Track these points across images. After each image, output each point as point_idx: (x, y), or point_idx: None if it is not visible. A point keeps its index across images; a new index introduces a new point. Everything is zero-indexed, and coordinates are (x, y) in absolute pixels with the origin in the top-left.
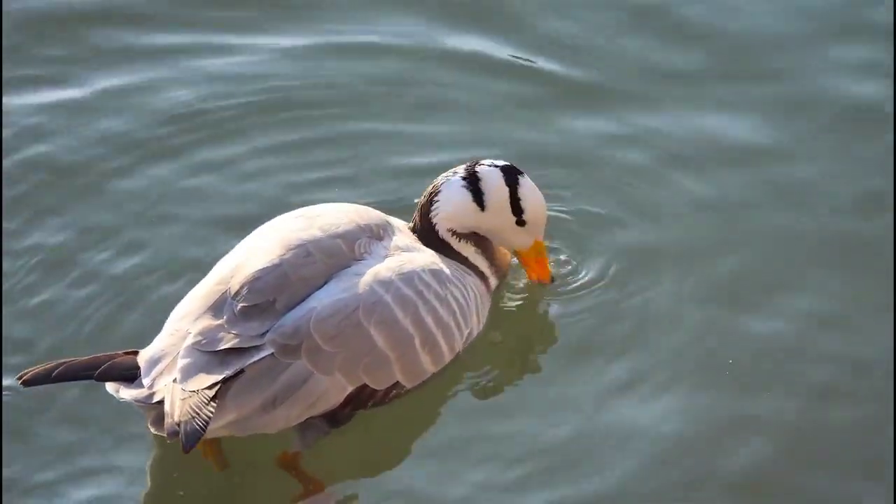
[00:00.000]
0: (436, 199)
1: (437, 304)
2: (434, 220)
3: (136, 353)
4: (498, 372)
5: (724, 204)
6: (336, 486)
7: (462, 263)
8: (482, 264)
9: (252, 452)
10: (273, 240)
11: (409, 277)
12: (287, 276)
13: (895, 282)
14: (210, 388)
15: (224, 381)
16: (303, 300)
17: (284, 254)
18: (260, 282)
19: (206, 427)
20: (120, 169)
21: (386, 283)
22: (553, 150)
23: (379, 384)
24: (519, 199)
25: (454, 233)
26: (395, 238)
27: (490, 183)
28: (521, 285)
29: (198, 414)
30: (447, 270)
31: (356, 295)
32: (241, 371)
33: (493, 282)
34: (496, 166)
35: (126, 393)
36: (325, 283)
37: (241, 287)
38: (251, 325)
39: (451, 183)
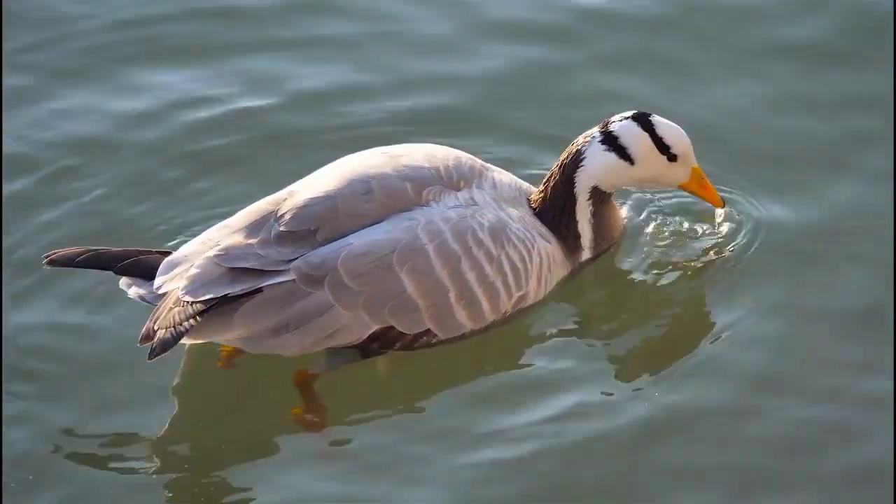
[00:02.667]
0: (581, 162)
1: (484, 262)
2: (576, 179)
3: (169, 253)
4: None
5: None
6: (339, 427)
7: (568, 229)
8: (586, 234)
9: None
10: (340, 171)
11: (460, 231)
12: (337, 208)
13: None
14: (203, 303)
15: (223, 299)
16: (345, 236)
17: (343, 187)
18: (306, 210)
19: (177, 340)
20: None
21: (433, 233)
22: None
23: (407, 328)
24: (661, 138)
25: (593, 191)
26: (476, 191)
27: (629, 136)
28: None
29: (176, 326)
30: (514, 232)
31: (395, 239)
32: (259, 290)
33: (585, 254)
34: (626, 118)
35: (134, 290)
36: (376, 223)
37: (287, 211)
38: (283, 249)
39: (593, 146)
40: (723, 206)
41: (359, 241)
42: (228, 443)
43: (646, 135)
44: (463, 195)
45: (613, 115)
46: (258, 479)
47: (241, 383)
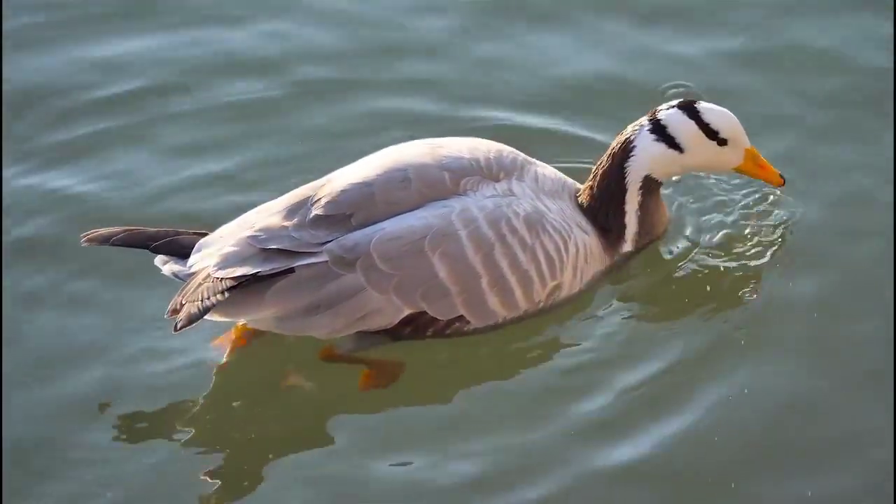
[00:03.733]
0: (632, 152)
1: (518, 250)
2: (627, 169)
3: (206, 234)
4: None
5: None
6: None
7: (615, 218)
8: (631, 226)
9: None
10: (381, 159)
11: (495, 218)
12: (374, 195)
13: None
14: (233, 279)
15: (253, 277)
16: (380, 222)
17: (381, 174)
18: (343, 195)
19: (203, 314)
20: None
21: (467, 219)
22: None
23: (440, 314)
24: (708, 124)
25: (645, 181)
26: (516, 183)
27: (676, 125)
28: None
29: (204, 300)
30: (551, 223)
31: (429, 224)
32: (291, 271)
33: (626, 247)
34: (672, 107)
35: (168, 267)
36: (411, 210)
37: (324, 196)
38: (317, 233)
39: (643, 136)
40: (783, 184)
41: (392, 225)
42: (251, 433)
43: (692, 122)
44: (501, 186)
45: (662, 105)
46: (278, 471)
47: (260, 375)
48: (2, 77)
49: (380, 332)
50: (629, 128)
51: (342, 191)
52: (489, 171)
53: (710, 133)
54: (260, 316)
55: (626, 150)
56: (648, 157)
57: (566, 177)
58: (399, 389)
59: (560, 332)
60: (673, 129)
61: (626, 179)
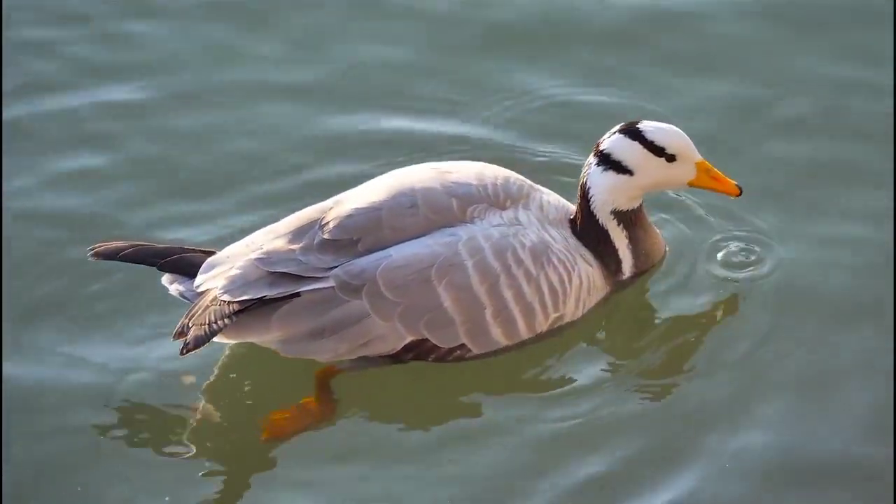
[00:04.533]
0: (589, 193)
1: (523, 281)
2: (595, 211)
3: (213, 252)
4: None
5: None
6: (345, 421)
7: (609, 254)
8: (627, 259)
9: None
10: (388, 183)
11: (501, 249)
12: (381, 220)
13: None
14: (240, 303)
15: (260, 301)
16: (386, 248)
17: (389, 199)
18: (351, 219)
19: (210, 337)
20: None
21: (473, 249)
22: None
23: (442, 342)
24: (652, 142)
25: (615, 214)
26: (522, 211)
27: (619, 149)
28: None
29: (211, 324)
30: (556, 254)
31: (435, 253)
32: (297, 295)
33: (625, 275)
34: (614, 133)
35: (175, 287)
36: (418, 237)
37: (332, 220)
38: (324, 257)
39: (592, 173)
40: (739, 194)
41: (399, 253)
42: (255, 432)
43: (636, 143)
44: (508, 214)
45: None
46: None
47: (267, 375)
48: (2, 77)
49: (382, 357)
50: (582, 171)
51: (349, 215)
52: (496, 199)
53: (657, 150)
54: (265, 339)
55: (585, 193)
56: (604, 190)
57: (570, 204)
58: (387, 407)
59: (558, 359)
60: (618, 155)
61: (599, 221)
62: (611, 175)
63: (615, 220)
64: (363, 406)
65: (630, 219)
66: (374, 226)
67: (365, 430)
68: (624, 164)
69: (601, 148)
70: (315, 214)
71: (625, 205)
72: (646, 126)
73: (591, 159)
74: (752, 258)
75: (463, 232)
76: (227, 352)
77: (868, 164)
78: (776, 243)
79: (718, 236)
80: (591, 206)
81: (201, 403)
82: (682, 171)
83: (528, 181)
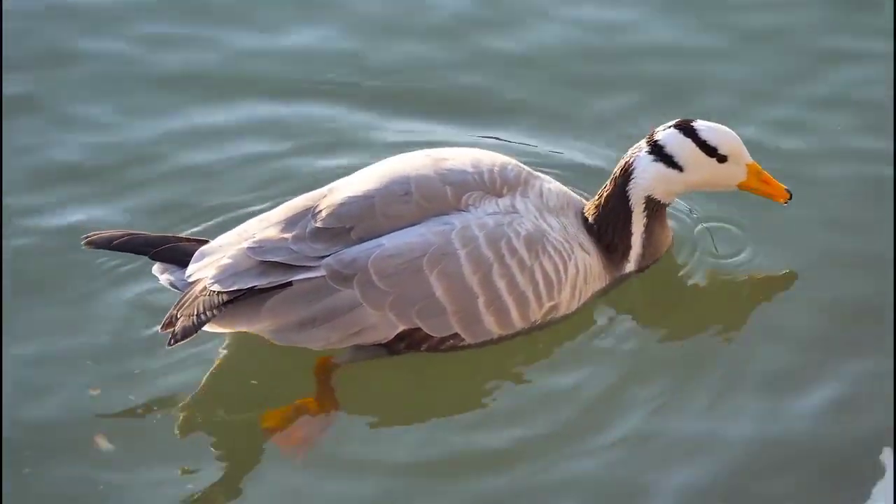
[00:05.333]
0: (632, 175)
1: (516, 271)
2: (629, 191)
3: (206, 241)
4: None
5: None
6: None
7: (620, 240)
8: (636, 248)
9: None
10: (382, 171)
11: (495, 238)
12: (374, 208)
13: None
14: (230, 293)
15: (249, 290)
16: (380, 236)
17: (382, 186)
18: (343, 207)
19: (198, 328)
20: None
21: (466, 238)
22: None
23: (434, 331)
24: (705, 142)
25: (648, 201)
26: (519, 199)
27: (673, 144)
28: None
29: (199, 315)
30: (552, 243)
31: (428, 242)
32: (289, 284)
33: (630, 266)
34: (669, 127)
35: (165, 277)
36: (412, 225)
37: (325, 208)
38: (316, 245)
39: (642, 157)
40: (789, 198)
41: (391, 242)
42: (245, 429)
43: (689, 140)
44: (504, 202)
45: (660, 126)
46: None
47: (266, 371)
48: (2, 77)
49: (376, 346)
50: (629, 151)
51: (342, 203)
52: (492, 186)
53: (709, 150)
54: (257, 328)
55: (627, 173)
56: (649, 177)
57: (572, 193)
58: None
59: (556, 350)
60: (671, 149)
61: (630, 202)
62: (660, 167)
63: (644, 207)
64: (363, 402)
65: (656, 210)
66: (367, 214)
67: (366, 426)
68: (675, 159)
69: (655, 138)
70: (308, 203)
71: (662, 197)
72: (700, 125)
73: (643, 145)
74: (745, 247)
75: (457, 220)
76: (225, 345)
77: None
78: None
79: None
80: (629, 186)
81: (198, 395)
82: (733, 173)
83: (528, 168)
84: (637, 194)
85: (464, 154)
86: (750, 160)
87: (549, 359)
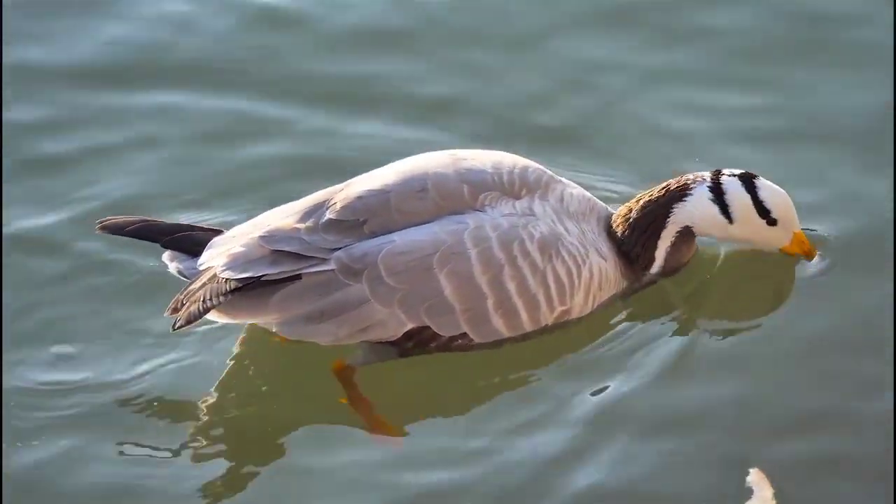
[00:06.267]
0: (685, 198)
1: (528, 273)
2: (673, 210)
3: (221, 231)
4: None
5: None
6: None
7: (647, 247)
8: (659, 260)
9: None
10: (401, 167)
11: (508, 240)
12: (389, 203)
13: None
14: (238, 281)
15: (259, 280)
16: (393, 231)
17: (399, 182)
18: (359, 201)
19: (203, 314)
20: None
21: (479, 238)
22: None
23: (443, 330)
24: (762, 202)
25: (685, 228)
26: (538, 202)
27: (733, 193)
28: None
29: (205, 301)
30: (566, 247)
31: (439, 240)
32: (298, 277)
33: (648, 277)
34: (734, 175)
35: (175, 265)
36: (427, 222)
37: (340, 200)
38: (328, 237)
39: (700, 192)
40: (812, 259)
41: (402, 238)
42: (268, 424)
43: (748, 196)
44: (521, 204)
45: (727, 168)
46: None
47: (280, 366)
48: (2, 76)
49: (385, 346)
50: (692, 174)
51: (358, 196)
52: (511, 188)
53: (763, 211)
54: (264, 319)
55: (683, 193)
56: (697, 211)
57: (596, 199)
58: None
59: (568, 353)
60: (729, 197)
61: (669, 219)
62: (713, 209)
63: (678, 230)
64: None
65: (687, 234)
66: (381, 208)
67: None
68: (730, 209)
69: (721, 180)
70: (325, 196)
71: (699, 233)
72: (761, 183)
73: (707, 178)
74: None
75: (471, 220)
76: (237, 343)
77: None
78: None
79: None
80: (676, 206)
81: (213, 398)
82: (778, 237)
83: (550, 172)
84: (679, 219)
85: (486, 155)
86: (798, 228)
87: (559, 362)
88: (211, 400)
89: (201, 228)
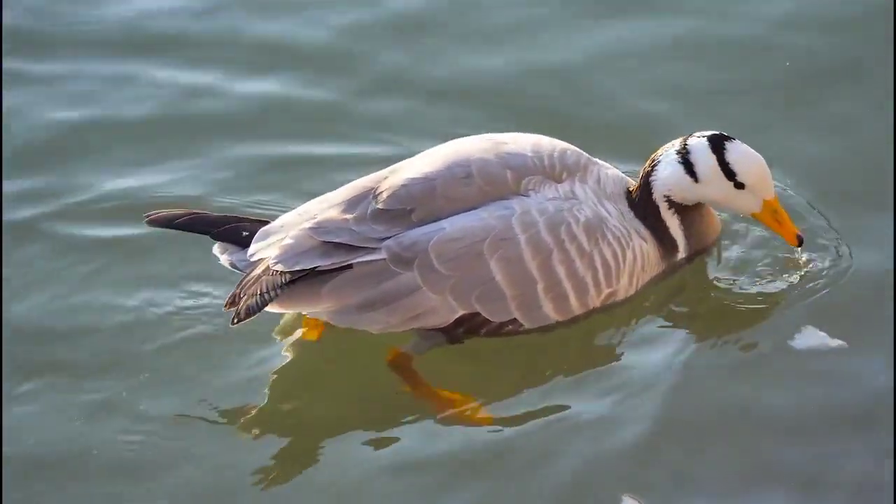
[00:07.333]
0: (654, 169)
1: (576, 257)
2: (652, 184)
3: (267, 222)
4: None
5: None
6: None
7: (661, 231)
8: (679, 238)
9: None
10: (444, 153)
11: (555, 224)
12: (435, 190)
13: None
14: (292, 273)
15: (312, 271)
16: (441, 218)
17: (443, 169)
18: (405, 189)
19: (262, 307)
20: None
21: (527, 223)
22: None
23: (493, 316)
24: (728, 164)
25: (669, 200)
26: (578, 185)
27: (698, 154)
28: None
29: (263, 294)
30: (611, 229)
31: (488, 226)
32: (349, 266)
33: (682, 254)
34: (703, 137)
35: (226, 257)
36: (473, 208)
37: (386, 189)
38: (377, 227)
39: (667, 156)
40: (798, 245)
41: (452, 225)
42: (318, 416)
43: (713, 157)
44: (563, 188)
45: (704, 131)
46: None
47: (328, 357)
48: (2, 75)
49: (435, 332)
50: (664, 146)
51: (403, 185)
52: (552, 171)
53: (729, 173)
54: (317, 309)
55: (652, 167)
56: (667, 176)
57: (628, 179)
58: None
59: (613, 334)
60: (694, 158)
61: (653, 195)
62: (679, 170)
63: (667, 204)
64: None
65: (680, 207)
66: (428, 196)
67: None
68: (694, 168)
69: (687, 142)
70: (369, 184)
71: (679, 199)
72: (732, 146)
73: (676, 144)
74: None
75: (517, 205)
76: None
77: None
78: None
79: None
80: (651, 179)
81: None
82: (747, 202)
83: (586, 154)
84: (657, 189)
85: (524, 138)
86: (771, 196)
87: (605, 343)
88: (259, 398)
89: (248, 219)
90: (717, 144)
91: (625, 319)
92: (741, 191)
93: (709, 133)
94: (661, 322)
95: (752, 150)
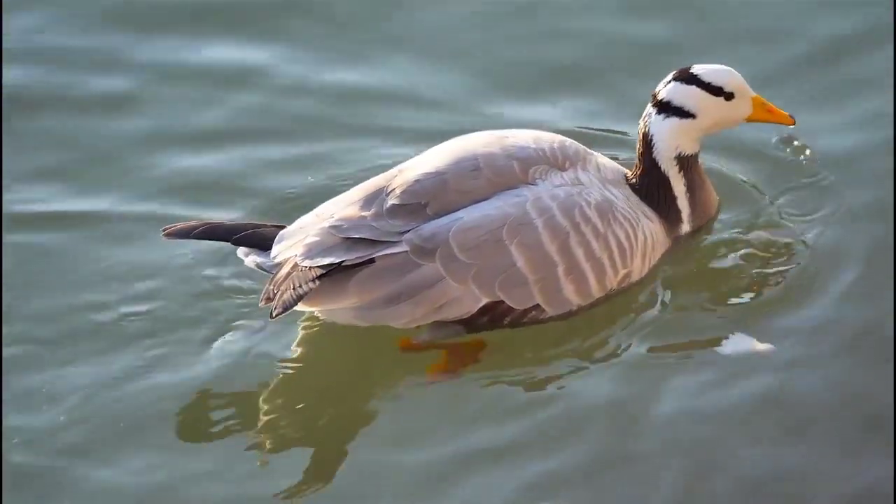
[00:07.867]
0: (653, 141)
1: (592, 238)
2: (658, 158)
3: (283, 227)
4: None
5: None
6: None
7: (669, 203)
8: (685, 209)
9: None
10: (450, 149)
11: (569, 207)
12: (447, 184)
13: None
14: (321, 267)
15: (339, 265)
16: (455, 211)
17: (452, 163)
18: (417, 185)
19: (297, 300)
20: None
21: (541, 208)
22: None
23: (516, 303)
24: (710, 83)
25: (679, 159)
26: (581, 172)
27: (679, 95)
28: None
29: (297, 288)
30: (620, 211)
31: (505, 213)
32: (372, 261)
33: (685, 228)
34: (669, 82)
35: (251, 259)
36: (485, 199)
37: (398, 186)
38: (394, 222)
39: (653, 122)
40: (794, 123)
41: (469, 215)
42: (332, 415)
43: (693, 87)
44: (568, 175)
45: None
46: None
47: (341, 358)
48: (2, 80)
49: (456, 322)
50: (640, 122)
51: (416, 180)
52: (555, 160)
53: (715, 91)
54: (342, 305)
55: (648, 142)
56: (668, 136)
57: (623, 167)
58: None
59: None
60: (679, 101)
61: (662, 167)
62: (674, 121)
63: (677, 166)
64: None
65: (690, 164)
66: (440, 190)
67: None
68: (686, 108)
69: (660, 97)
70: (381, 182)
71: (688, 148)
72: (699, 69)
73: (650, 109)
74: (804, 211)
75: (529, 192)
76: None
77: None
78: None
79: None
80: (654, 153)
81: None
82: (740, 108)
83: (582, 145)
84: (665, 157)
85: (524, 132)
86: (753, 93)
87: (628, 327)
88: (274, 394)
89: (264, 224)
90: (687, 77)
91: (642, 301)
92: (732, 101)
93: (668, 77)
94: (660, 319)
95: (714, 65)
